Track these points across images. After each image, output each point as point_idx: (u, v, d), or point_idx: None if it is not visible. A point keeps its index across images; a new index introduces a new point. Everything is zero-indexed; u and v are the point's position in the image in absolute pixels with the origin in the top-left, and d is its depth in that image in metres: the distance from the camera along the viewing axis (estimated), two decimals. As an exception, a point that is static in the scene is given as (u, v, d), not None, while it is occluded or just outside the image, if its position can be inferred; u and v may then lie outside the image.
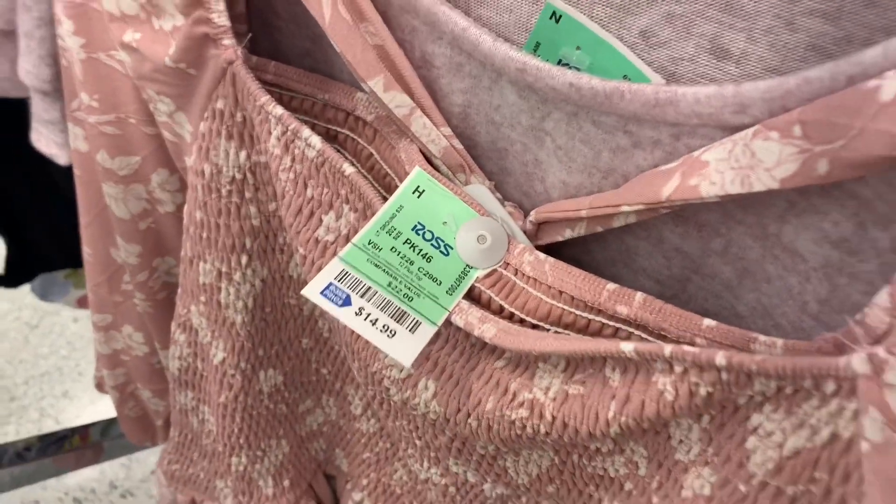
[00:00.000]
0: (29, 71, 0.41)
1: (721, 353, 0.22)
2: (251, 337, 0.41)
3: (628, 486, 0.32)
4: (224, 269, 0.38)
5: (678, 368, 0.23)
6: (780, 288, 0.24)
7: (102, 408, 1.45)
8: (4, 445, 0.97)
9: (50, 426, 1.47)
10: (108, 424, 1.02)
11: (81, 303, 1.04)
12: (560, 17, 0.25)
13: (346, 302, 0.27)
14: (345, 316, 0.27)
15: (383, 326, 0.27)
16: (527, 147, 0.29)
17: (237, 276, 0.38)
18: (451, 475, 0.38)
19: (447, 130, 0.30)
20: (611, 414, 0.26)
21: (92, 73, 0.36)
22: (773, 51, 0.22)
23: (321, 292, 0.27)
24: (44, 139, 0.45)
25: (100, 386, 0.58)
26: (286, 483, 0.51)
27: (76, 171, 0.43)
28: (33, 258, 0.89)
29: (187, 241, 0.39)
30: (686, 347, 0.23)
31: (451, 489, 0.40)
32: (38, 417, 1.49)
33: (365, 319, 0.27)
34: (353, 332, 0.32)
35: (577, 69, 0.25)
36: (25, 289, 1.64)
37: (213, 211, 0.36)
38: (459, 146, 0.30)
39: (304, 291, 0.27)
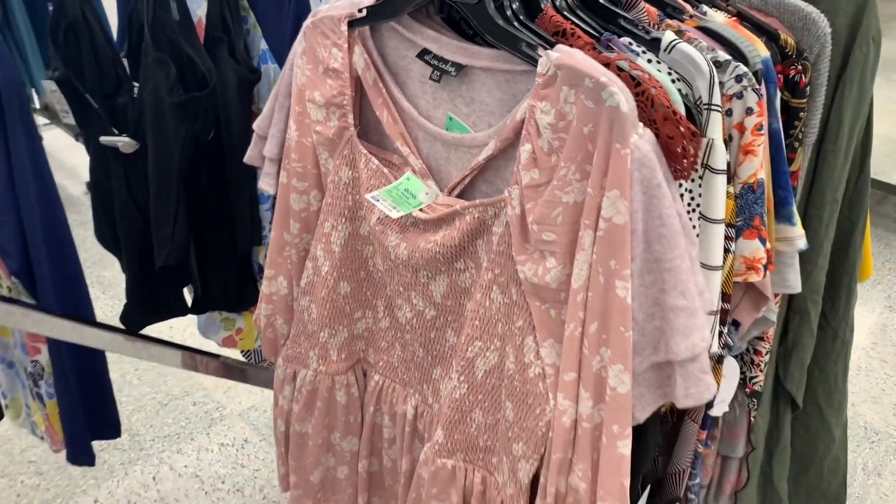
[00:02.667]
0: (270, 150, 1.02)
1: (478, 200, 0.78)
2: (341, 260, 0.97)
3: (473, 290, 0.85)
4: (335, 224, 0.96)
5: (471, 210, 0.79)
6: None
7: (206, 463, 1.98)
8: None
9: (165, 472, 1.98)
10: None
11: (226, 342, 1.59)
12: (451, 118, 0.85)
13: (378, 200, 0.84)
14: (377, 203, 0.84)
15: (388, 208, 0.84)
16: (446, 167, 0.87)
17: (339, 227, 0.96)
18: (414, 309, 0.92)
19: (420, 161, 0.88)
20: (456, 233, 0.81)
21: (298, 146, 0.97)
22: (497, 118, 0.80)
23: (371, 197, 0.85)
24: (265, 183, 1.05)
25: (257, 320, 1.13)
26: (343, 356, 1.03)
27: (279, 193, 1.02)
28: (208, 299, 1.47)
29: (321, 213, 0.96)
30: (474, 202, 0.79)
31: (414, 321, 0.92)
32: (157, 463, 2.00)
33: (381, 205, 0.84)
34: (382, 230, 0.89)
35: (457, 133, 0.84)
36: (162, 378, 2.39)
37: (335, 197, 0.94)
38: (424, 167, 0.88)
39: (367, 195, 0.84)
